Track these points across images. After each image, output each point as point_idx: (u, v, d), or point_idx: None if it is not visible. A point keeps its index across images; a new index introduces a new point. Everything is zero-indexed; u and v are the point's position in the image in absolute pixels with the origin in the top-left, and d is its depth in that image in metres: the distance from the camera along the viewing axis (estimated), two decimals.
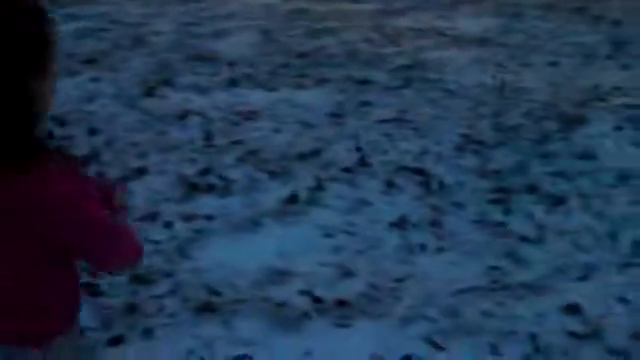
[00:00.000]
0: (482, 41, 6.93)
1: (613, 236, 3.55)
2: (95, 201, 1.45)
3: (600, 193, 3.97)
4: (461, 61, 6.29)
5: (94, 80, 5.59)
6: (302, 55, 6.29)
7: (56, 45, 1.37)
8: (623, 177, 4.14)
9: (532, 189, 4.00)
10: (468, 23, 7.59)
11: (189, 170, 4.16)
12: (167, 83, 5.50)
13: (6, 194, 1.34)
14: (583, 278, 3.22)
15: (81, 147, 4.40)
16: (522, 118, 5.00)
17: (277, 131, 4.70)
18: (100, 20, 7.35)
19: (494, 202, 3.87)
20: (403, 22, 7.54)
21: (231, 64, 6.00)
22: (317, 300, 3.04)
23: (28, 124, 1.34)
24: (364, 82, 5.66)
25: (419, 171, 4.18)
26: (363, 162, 4.29)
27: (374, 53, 6.44)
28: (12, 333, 1.51)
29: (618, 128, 4.80)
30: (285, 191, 3.93)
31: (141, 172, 4.11)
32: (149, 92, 5.32)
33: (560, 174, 4.17)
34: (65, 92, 5.08)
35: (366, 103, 5.22)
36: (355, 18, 7.63)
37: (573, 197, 3.91)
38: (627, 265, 3.31)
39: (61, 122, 4.68)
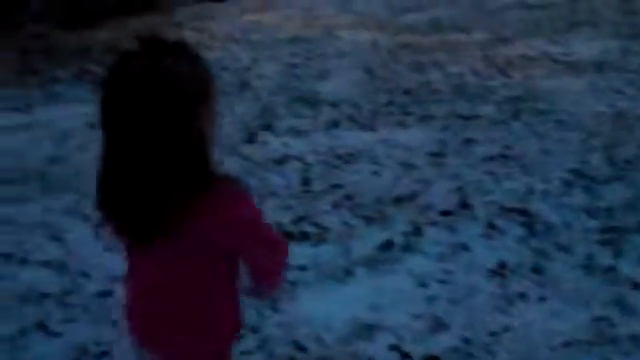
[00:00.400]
0: (598, 66, 6.62)
1: None
2: (266, 221, 1.64)
3: None
4: (575, 89, 6.03)
5: None
6: (406, 92, 6.22)
7: (214, 84, 1.54)
8: None
9: None
10: (583, 47, 7.30)
11: (285, 218, 4.16)
12: (268, 128, 5.57)
13: (195, 218, 1.48)
14: None
15: None
16: None
17: (376, 173, 4.64)
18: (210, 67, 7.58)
19: (604, 243, 3.64)
20: (513, 50, 7.33)
21: (333, 105, 6.01)
22: (406, 355, 2.93)
23: (204, 155, 1.50)
24: (469, 117, 5.52)
25: (523, 212, 4.00)
26: (464, 204, 4.15)
27: (481, 86, 6.29)
28: (189, 350, 1.65)
29: None
30: (380, 237, 3.85)
31: None
32: (250, 138, 5.40)
33: None
34: None
35: (470, 140, 5.07)
36: (463, 49, 7.49)
37: None
38: None
39: None
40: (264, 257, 1.64)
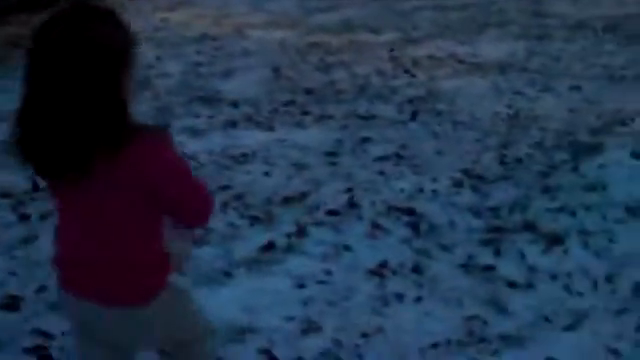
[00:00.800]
0: (503, 67, 6.72)
1: (611, 278, 3.29)
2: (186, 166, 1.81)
3: (604, 229, 3.72)
4: (476, 89, 6.10)
5: None
6: (308, 91, 6.18)
7: (134, 47, 1.69)
8: (632, 211, 3.87)
9: (529, 227, 3.78)
10: (490, 48, 7.40)
11: None
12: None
13: (115, 164, 1.63)
14: (570, 327, 2.97)
15: None
16: (532, 148, 4.77)
17: (267, 174, 4.58)
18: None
19: (486, 243, 3.66)
20: (421, 51, 7.38)
21: (234, 104, 5.94)
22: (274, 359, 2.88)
23: (123, 109, 1.64)
24: (368, 117, 5.52)
25: (410, 211, 4.00)
26: (351, 204, 4.12)
27: (385, 86, 6.30)
28: (123, 294, 1.79)
29: (636, 156, 4.53)
30: (264, 238, 3.79)
31: None
32: None
33: (563, 209, 3.94)
34: None
35: (366, 139, 5.07)
36: (371, 49, 7.50)
37: (573, 235, 3.67)
38: (623, 312, 3.06)
39: None
40: (181, 199, 1.78)
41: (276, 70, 6.89)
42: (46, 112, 1.61)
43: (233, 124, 5.50)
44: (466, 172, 4.46)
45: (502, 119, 5.39)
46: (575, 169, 4.41)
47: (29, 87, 1.64)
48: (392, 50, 7.40)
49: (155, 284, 1.83)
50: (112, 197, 1.70)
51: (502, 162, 4.59)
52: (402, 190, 4.26)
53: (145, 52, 7.74)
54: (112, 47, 1.63)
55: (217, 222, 3.96)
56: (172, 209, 1.81)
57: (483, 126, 5.25)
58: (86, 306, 1.82)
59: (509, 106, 5.68)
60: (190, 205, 1.82)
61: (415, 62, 7.00)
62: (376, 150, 4.88)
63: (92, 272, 1.79)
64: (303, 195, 4.26)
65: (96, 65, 1.60)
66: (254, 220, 4.01)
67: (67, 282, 1.85)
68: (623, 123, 5.15)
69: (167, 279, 1.86)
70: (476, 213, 3.97)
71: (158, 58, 7.52)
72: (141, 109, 5.83)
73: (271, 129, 5.36)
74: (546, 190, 4.16)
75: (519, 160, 4.60)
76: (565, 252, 3.53)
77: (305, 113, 5.64)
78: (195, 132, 5.36)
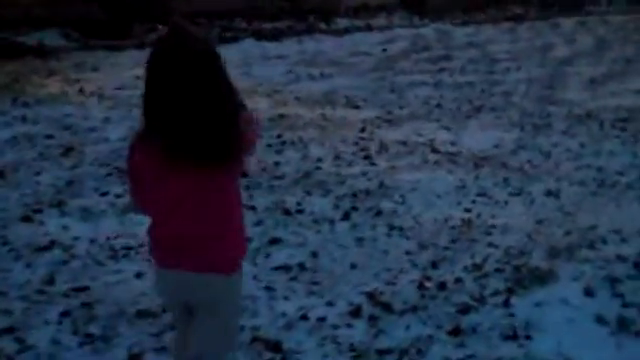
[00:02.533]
0: (479, 161, 6.01)
1: None
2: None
3: None
4: (438, 187, 5.40)
5: None
6: (243, 174, 5.55)
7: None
8: None
9: None
10: (475, 137, 6.73)
11: None
12: None
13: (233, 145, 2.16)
14: None
15: None
16: (465, 272, 4.03)
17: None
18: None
19: None
20: (396, 134, 6.73)
21: None
22: None
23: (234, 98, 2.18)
24: (293, 213, 4.85)
25: (276, 347, 3.29)
26: None
27: (334, 174, 5.64)
28: (207, 262, 2.22)
29: (589, 293, 3.76)
30: None
31: None
32: None
33: None
34: None
35: (276, 241, 4.40)
36: (341, 128, 6.88)
37: None
38: None
39: None
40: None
41: None
42: (180, 107, 2.06)
43: None
44: (372, 296, 3.74)
45: (450, 227, 4.66)
46: (505, 305, 3.65)
47: (158, 91, 2.09)
48: (363, 130, 6.76)
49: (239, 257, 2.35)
50: (214, 181, 2.17)
51: (421, 286, 3.85)
52: (283, 315, 3.56)
53: (94, 112, 7.29)
54: (209, 51, 2.14)
55: None
56: None
57: (423, 235, 4.53)
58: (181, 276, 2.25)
59: (467, 210, 4.95)
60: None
61: (383, 147, 6.36)
62: (280, 256, 4.20)
63: (193, 245, 2.21)
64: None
65: (203, 65, 2.09)
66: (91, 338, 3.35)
67: (165, 259, 2.27)
68: (592, 246, 4.37)
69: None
70: (358, 357, 3.23)
71: (105, 120, 7.02)
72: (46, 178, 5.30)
73: None
74: (456, 332, 3.40)
75: (442, 286, 3.85)
76: None
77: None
78: (88, 214, 4.77)
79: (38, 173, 5.62)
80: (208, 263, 2.22)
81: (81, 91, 8.29)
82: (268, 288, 3.82)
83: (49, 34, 12.37)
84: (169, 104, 2.06)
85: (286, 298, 3.73)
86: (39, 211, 4.86)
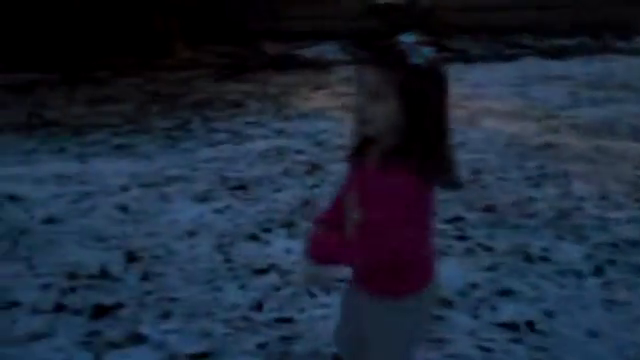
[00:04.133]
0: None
1: None
2: None
3: None
4: None
5: None
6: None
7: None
8: None
9: None
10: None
11: None
12: None
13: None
14: None
15: None
16: None
17: None
18: None
19: None
20: None
21: None
22: None
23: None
24: (535, 259, 4.35)
25: None
26: None
27: (595, 216, 5.02)
28: (388, 287, 2.16)
29: None
30: None
31: None
32: None
33: None
34: None
35: (507, 292, 3.95)
36: (618, 162, 6.17)
37: None
38: None
39: None
40: None
41: None
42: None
43: None
44: None
45: None
46: None
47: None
48: None
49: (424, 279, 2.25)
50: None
51: None
52: None
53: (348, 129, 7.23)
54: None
55: None
56: None
57: None
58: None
59: None
60: None
61: None
62: (507, 311, 3.73)
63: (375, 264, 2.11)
64: None
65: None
66: None
67: (355, 280, 2.28)
68: None
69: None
70: None
71: None
72: (285, 196, 5.29)
73: None
74: None
75: None
76: None
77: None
78: None
79: (279, 190, 5.64)
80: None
81: (342, 106, 8.31)
82: (483, 348, 3.40)
83: (329, 47, 12.71)
84: (438, 126, 2.08)
85: None
86: (268, 230, 4.83)
